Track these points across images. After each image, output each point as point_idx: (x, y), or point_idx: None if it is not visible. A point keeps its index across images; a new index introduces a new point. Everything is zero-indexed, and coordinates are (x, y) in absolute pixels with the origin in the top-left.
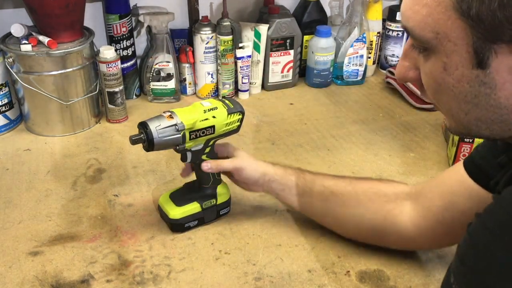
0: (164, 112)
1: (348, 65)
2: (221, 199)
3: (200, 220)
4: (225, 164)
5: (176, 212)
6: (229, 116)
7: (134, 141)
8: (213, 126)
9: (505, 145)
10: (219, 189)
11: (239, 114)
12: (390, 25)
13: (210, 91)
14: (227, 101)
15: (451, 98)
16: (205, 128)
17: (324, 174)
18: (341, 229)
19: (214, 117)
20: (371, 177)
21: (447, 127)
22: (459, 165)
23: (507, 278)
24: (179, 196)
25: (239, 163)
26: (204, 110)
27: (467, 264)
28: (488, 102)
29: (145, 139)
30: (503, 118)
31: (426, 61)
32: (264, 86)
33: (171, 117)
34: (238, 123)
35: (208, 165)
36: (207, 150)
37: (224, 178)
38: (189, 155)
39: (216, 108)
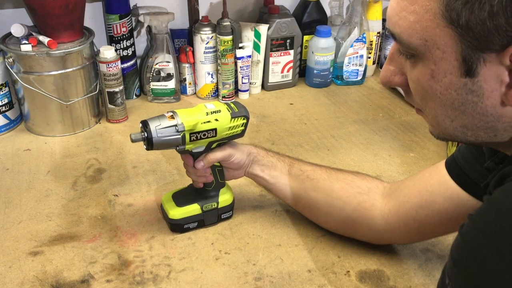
0: (167, 112)
1: (348, 65)
2: (223, 203)
3: (200, 222)
4: (217, 154)
5: (176, 212)
6: (233, 120)
7: (134, 139)
8: (215, 129)
9: (490, 150)
10: (222, 193)
11: (243, 119)
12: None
13: (210, 91)
14: (232, 105)
15: (438, 105)
16: (206, 131)
17: (303, 160)
18: (313, 215)
19: (216, 120)
20: (352, 170)
21: (430, 131)
22: (441, 165)
23: (499, 280)
24: (181, 197)
25: (228, 149)
26: (207, 113)
27: (459, 265)
28: (475, 109)
29: (145, 137)
30: (489, 125)
31: (413, 67)
32: (264, 86)
33: (172, 117)
34: (242, 128)
35: (201, 163)
36: None
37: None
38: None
39: (219, 111)
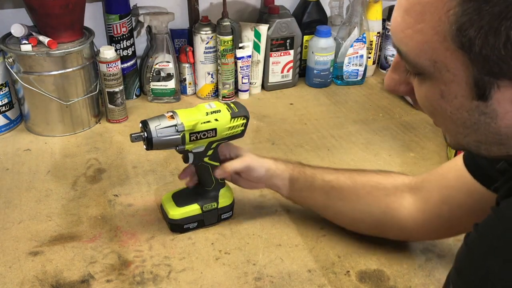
0: (167, 112)
1: (348, 65)
2: (223, 203)
3: (200, 222)
4: (237, 165)
5: (176, 213)
6: (233, 120)
7: (134, 138)
8: (215, 129)
9: None
10: (222, 193)
11: (243, 119)
12: (390, 25)
13: (210, 91)
14: (232, 105)
15: (449, 122)
16: (206, 131)
17: (324, 168)
18: (341, 222)
19: (216, 120)
20: (371, 169)
21: (446, 142)
22: (459, 159)
23: None
24: (181, 197)
25: (249, 162)
26: (207, 113)
27: (463, 275)
28: (488, 129)
29: (145, 137)
30: (502, 142)
31: (421, 84)
32: (264, 86)
33: (172, 117)
34: (242, 128)
35: (220, 172)
36: (210, 152)
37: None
38: (190, 156)
39: (219, 111)
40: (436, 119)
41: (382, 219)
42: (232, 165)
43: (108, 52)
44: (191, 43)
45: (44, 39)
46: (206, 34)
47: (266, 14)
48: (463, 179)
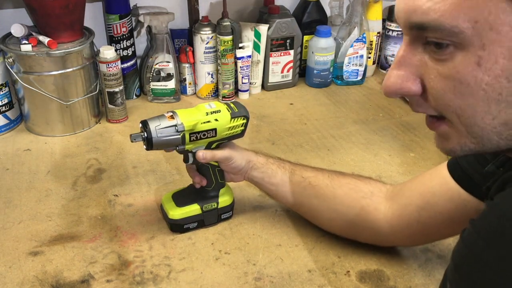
0: (166, 112)
1: (348, 65)
2: (223, 203)
3: (200, 222)
4: (216, 153)
5: (176, 212)
6: (233, 120)
7: (134, 138)
8: (215, 129)
9: (492, 155)
10: (222, 193)
11: (243, 119)
12: (390, 25)
13: (210, 91)
14: (232, 105)
15: (480, 100)
16: (206, 131)
17: (304, 165)
18: (316, 220)
19: (216, 120)
20: (353, 173)
21: (446, 151)
22: (442, 167)
23: (500, 286)
24: (181, 197)
25: (229, 152)
26: (207, 113)
27: (460, 270)
28: None
29: (145, 137)
30: None
31: (444, 62)
32: (264, 86)
33: (172, 117)
34: (242, 128)
35: (203, 154)
36: None
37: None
38: (190, 156)
39: (219, 111)
40: (460, 104)
41: (356, 220)
42: (213, 153)
43: (108, 52)
44: (191, 43)
45: (44, 39)
46: (206, 34)
47: (266, 14)
48: (447, 186)
